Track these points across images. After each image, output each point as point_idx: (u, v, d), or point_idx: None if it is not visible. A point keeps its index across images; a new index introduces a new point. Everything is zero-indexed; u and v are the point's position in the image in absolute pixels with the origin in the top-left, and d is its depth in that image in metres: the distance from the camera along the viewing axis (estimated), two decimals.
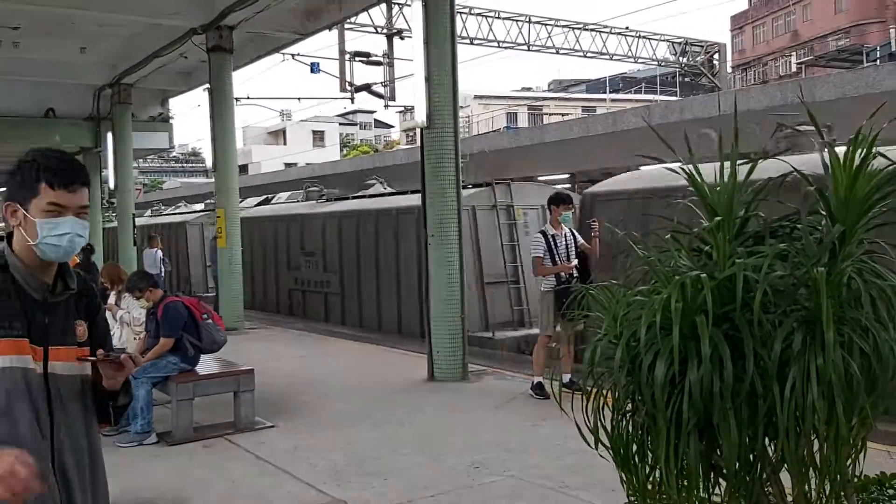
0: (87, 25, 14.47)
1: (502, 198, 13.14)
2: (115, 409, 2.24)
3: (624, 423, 2.60)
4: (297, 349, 11.63)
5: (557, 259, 7.70)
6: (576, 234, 7.95)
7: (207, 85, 14.50)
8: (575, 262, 7.75)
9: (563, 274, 7.68)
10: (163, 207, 30.72)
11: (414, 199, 11.78)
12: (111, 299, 8.06)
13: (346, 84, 20.82)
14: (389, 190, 18.11)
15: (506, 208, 13.12)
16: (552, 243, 7.71)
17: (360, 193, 18.20)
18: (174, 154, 75.72)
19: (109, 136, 19.51)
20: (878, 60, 32.15)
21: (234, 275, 13.78)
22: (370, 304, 14.90)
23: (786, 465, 2.45)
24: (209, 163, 16.02)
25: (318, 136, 70.64)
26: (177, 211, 27.44)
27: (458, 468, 5.55)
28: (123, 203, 19.46)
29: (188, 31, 14.11)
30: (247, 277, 17.70)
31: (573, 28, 33.32)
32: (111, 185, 20.05)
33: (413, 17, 9.26)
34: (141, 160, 45.68)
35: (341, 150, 66.59)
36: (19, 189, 2.11)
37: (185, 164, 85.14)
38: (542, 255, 7.72)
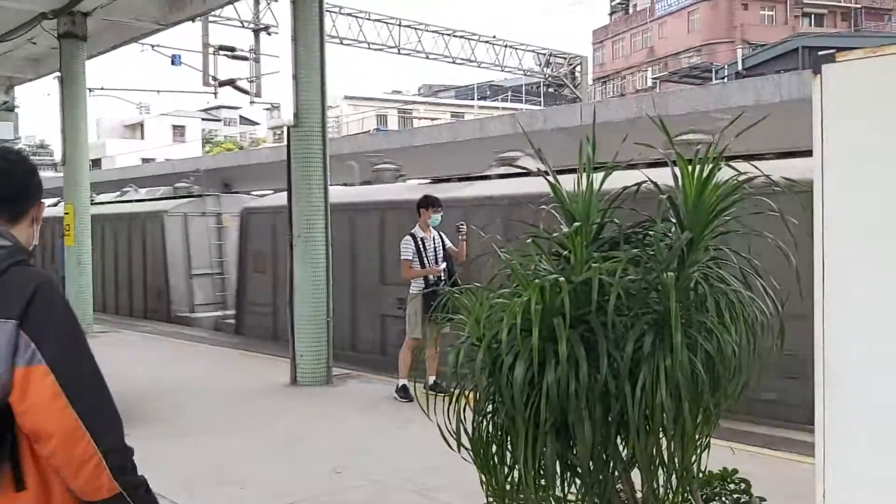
0: None
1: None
2: None
3: (485, 424, 2.63)
4: (151, 353, 11.12)
5: (426, 262, 7.72)
6: (444, 237, 7.99)
7: (58, 73, 13.65)
8: (443, 265, 7.80)
9: (431, 277, 7.71)
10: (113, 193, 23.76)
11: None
12: None
13: (210, 78, 20.17)
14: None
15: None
16: (421, 246, 7.73)
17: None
18: (20, 146, 71.02)
19: None
20: (726, 78, 34.33)
21: (83, 275, 13.03)
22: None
23: (636, 463, 2.55)
24: (58, 156, 15.08)
25: (179, 131, 68.00)
26: (142, 197, 21.54)
27: (319, 474, 5.45)
28: None
29: (38, 16, 13.22)
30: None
31: (443, 34, 33.71)
32: None
33: (281, 12, 9.06)
34: None
35: (203, 147, 64.44)
36: None
37: (31, 157, 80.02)
38: (410, 258, 7.72)
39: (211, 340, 12.80)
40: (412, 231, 7.90)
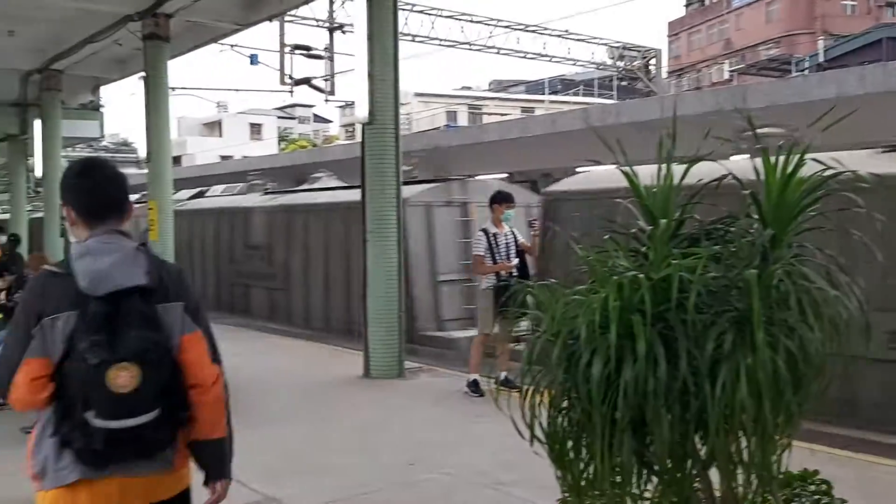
0: (15, 7, 13.93)
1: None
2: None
3: (560, 419, 2.63)
4: (232, 346, 11.41)
5: (498, 258, 7.74)
6: (517, 232, 8.00)
7: (142, 73, 14.13)
8: (515, 261, 7.81)
9: (503, 272, 7.73)
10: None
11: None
12: None
13: (286, 77, 20.58)
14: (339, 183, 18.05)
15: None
16: (493, 242, 7.75)
17: (306, 187, 18.23)
18: (104, 143, 73.66)
19: (37, 123, 18.84)
20: (807, 70, 33.24)
21: None
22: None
23: (715, 462, 2.52)
24: (141, 153, 15.65)
25: (256, 129, 69.60)
26: (224, 193, 21.65)
27: (392, 466, 5.54)
28: (51, 193, 18.84)
29: (123, 18, 13.71)
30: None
31: (514, 29, 33.59)
32: (38, 173, 19.38)
33: (356, 12, 9.20)
34: (70, 149, 44.32)
35: (279, 144, 65.76)
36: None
37: (115, 154, 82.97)
38: (482, 254, 7.75)
39: (284, 333, 13.08)
40: (484, 227, 7.93)
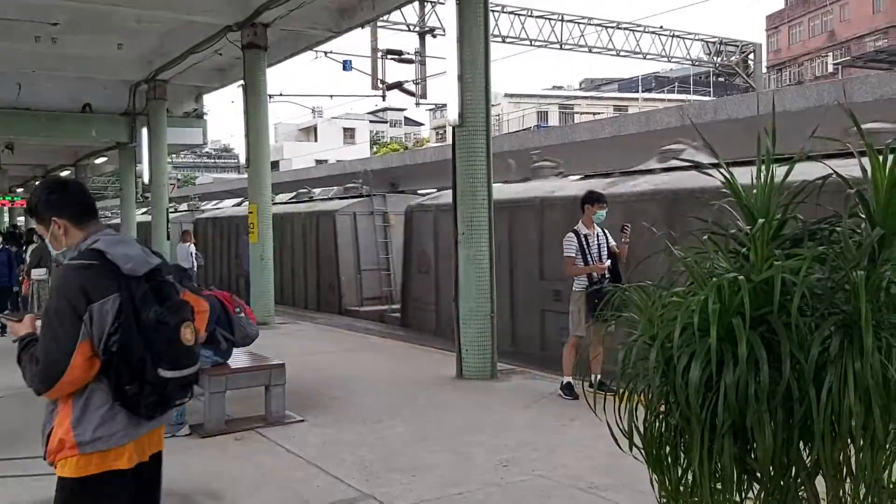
0: (124, 21, 14.68)
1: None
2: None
3: (657, 424, 2.60)
4: (326, 344, 11.72)
5: (590, 259, 7.62)
6: (608, 234, 7.86)
7: (241, 81, 14.64)
8: (608, 262, 7.68)
9: (594, 274, 7.61)
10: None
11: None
12: None
13: (378, 82, 20.92)
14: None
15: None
16: (584, 243, 7.64)
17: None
18: (206, 150, 76.54)
19: (144, 131, 19.77)
20: None
21: (265, 270, 13.90)
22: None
23: (820, 470, 2.43)
24: (241, 159, 16.15)
25: (349, 134, 71.03)
26: (311, 198, 22.94)
27: (486, 466, 5.56)
28: (157, 197, 19.73)
29: (223, 28, 14.26)
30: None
31: (606, 27, 33.15)
32: (145, 179, 20.32)
33: (447, 15, 9.27)
34: (174, 155, 46.21)
35: (371, 148, 66.86)
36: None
37: (216, 160, 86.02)
38: (573, 256, 7.64)
39: (379, 333, 13.29)
40: (575, 227, 7.81)
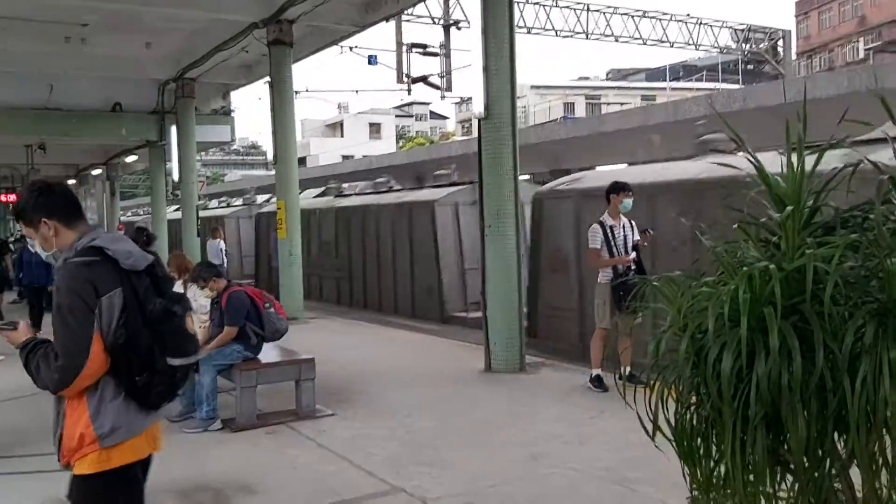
0: (152, 21, 14.82)
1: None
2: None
3: (688, 416, 2.57)
4: (356, 339, 11.78)
5: (615, 251, 7.55)
6: (634, 225, 7.77)
7: (268, 78, 14.73)
8: (633, 255, 7.61)
9: (620, 266, 7.55)
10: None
11: None
12: (177, 288, 8.26)
13: (403, 76, 20.92)
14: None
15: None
16: (610, 234, 7.57)
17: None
18: (234, 147, 77.15)
19: (173, 129, 19.96)
20: None
21: (293, 265, 13.99)
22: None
23: (855, 461, 2.39)
24: (269, 155, 16.06)
25: (375, 129, 71.13)
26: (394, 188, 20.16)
27: (516, 459, 5.55)
28: (187, 194, 19.93)
29: (249, 26, 14.35)
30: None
31: (632, 16, 32.89)
32: (175, 177, 20.53)
33: (472, 7, 9.27)
34: (203, 153, 46.61)
35: (397, 142, 66.96)
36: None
37: (245, 157, 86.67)
38: (598, 247, 7.58)
39: (408, 327, 13.31)
40: (601, 219, 7.74)
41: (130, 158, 27.78)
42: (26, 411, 6.85)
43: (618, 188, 7.72)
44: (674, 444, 2.59)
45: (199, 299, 7.50)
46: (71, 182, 30.78)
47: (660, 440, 2.61)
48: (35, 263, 12.55)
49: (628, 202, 7.65)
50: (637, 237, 7.72)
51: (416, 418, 6.80)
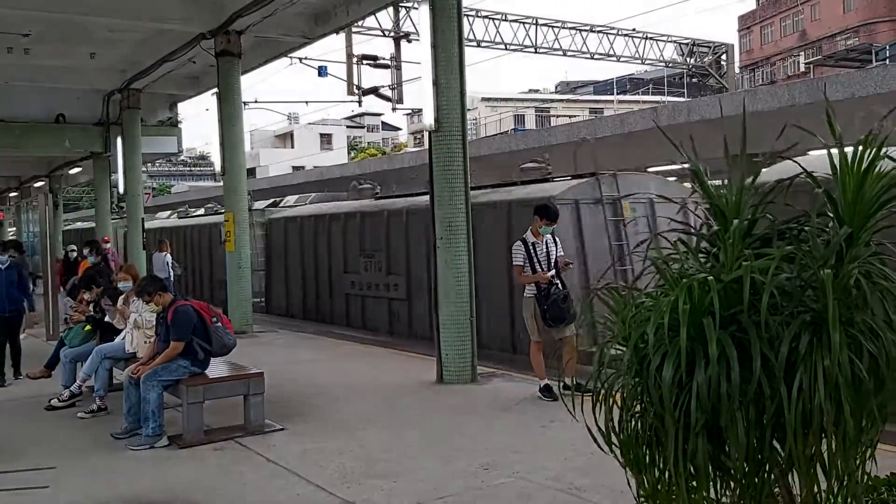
0: (96, 31, 14.56)
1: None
2: None
3: (633, 423, 2.61)
4: (306, 352, 11.67)
5: (538, 266, 7.78)
6: (558, 240, 8.05)
7: (216, 89, 14.56)
8: (553, 271, 7.82)
9: (542, 282, 7.76)
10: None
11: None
12: (119, 302, 8.08)
13: (354, 87, 20.87)
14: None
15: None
16: (532, 251, 7.81)
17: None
18: (182, 158, 75.97)
19: (119, 140, 19.60)
20: (888, 60, 31.99)
21: (242, 279, 13.82)
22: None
23: (794, 467, 2.46)
24: (217, 167, 15.71)
25: (326, 139, 70.76)
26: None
27: (467, 470, 5.56)
28: (133, 207, 19.57)
29: (196, 36, 14.19)
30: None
31: (580, 30, 33.39)
32: (120, 189, 20.14)
33: (421, 20, 9.29)
34: (150, 164, 45.82)
35: (349, 153, 66.70)
36: None
37: (192, 168, 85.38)
38: (521, 264, 7.81)
39: (359, 339, 13.24)
40: (523, 236, 7.97)
41: (75, 170, 27.20)
42: None
43: (545, 213, 7.91)
44: (619, 452, 2.63)
45: (145, 313, 7.36)
46: (13, 195, 29.96)
47: (608, 448, 2.65)
48: None
49: (548, 229, 7.88)
50: (561, 251, 8.03)
51: (368, 431, 6.77)
